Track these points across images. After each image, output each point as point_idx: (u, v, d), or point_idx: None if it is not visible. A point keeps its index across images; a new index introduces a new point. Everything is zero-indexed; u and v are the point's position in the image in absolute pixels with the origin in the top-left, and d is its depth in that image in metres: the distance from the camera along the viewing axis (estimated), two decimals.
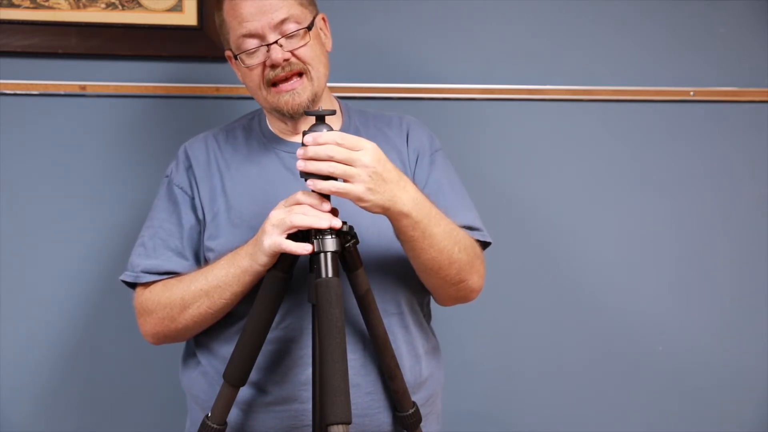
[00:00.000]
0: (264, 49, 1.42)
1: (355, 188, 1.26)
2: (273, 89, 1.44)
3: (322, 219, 1.27)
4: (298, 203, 1.29)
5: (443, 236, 1.37)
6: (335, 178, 1.27)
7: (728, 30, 2.05)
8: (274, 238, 1.29)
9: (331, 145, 1.25)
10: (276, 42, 1.41)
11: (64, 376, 1.94)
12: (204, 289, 1.38)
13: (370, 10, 1.95)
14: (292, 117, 1.46)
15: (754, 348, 2.12)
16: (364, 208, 1.29)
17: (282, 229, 1.28)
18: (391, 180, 1.29)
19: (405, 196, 1.31)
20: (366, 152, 1.27)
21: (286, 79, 1.43)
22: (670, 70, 2.04)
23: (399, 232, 1.35)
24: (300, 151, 1.26)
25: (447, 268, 1.40)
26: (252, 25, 1.42)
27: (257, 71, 1.44)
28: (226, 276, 1.36)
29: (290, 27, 1.42)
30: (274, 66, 1.42)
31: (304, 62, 1.43)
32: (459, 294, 1.47)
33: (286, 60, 1.42)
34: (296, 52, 1.43)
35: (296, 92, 1.43)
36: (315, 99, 1.45)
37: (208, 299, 1.38)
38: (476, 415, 2.06)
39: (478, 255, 1.47)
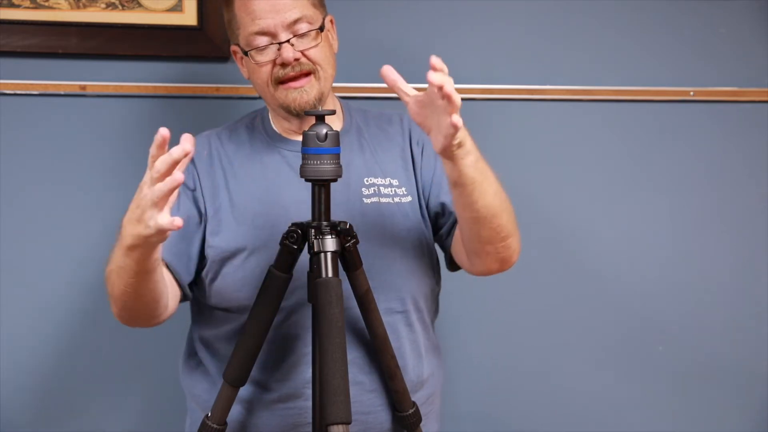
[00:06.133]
0: (275, 47, 1.43)
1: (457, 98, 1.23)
2: (281, 86, 1.44)
3: (175, 176, 1.14)
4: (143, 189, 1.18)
5: (495, 181, 1.36)
6: None
7: (728, 30, 2.05)
8: (155, 219, 1.16)
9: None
10: (288, 41, 1.42)
11: (64, 376, 1.94)
12: (114, 269, 1.29)
13: (371, 11, 1.95)
14: (297, 115, 1.46)
15: (755, 348, 2.12)
16: (457, 125, 1.23)
17: (149, 207, 1.16)
18: None
19: None
20: None
21: (295, 78, 1.44)
22: (670, 70, 2.04)
23: (464, 171, 1.29)
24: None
25: (500, 215, 1.36)
26: (265, 23, 1.42)
27: (266, 69, 1.44)
28: (122, 260, 1.25)
29: (302, 27, 1.43)
30: (284, 65, 1.42)
31: (314, 63, 1.44)
32: (504, 254, 1.41)
33: (296, 59, 1.42)
34: (307, 53, 1.43)
35: (304, 90, 1.43)
36: (321, 99, 1.45)
37: (120, 279, 1.29)
38: (476, 415, 2.05)
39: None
